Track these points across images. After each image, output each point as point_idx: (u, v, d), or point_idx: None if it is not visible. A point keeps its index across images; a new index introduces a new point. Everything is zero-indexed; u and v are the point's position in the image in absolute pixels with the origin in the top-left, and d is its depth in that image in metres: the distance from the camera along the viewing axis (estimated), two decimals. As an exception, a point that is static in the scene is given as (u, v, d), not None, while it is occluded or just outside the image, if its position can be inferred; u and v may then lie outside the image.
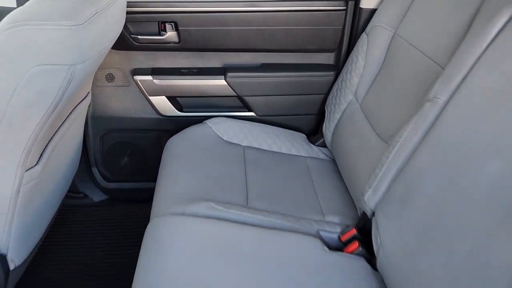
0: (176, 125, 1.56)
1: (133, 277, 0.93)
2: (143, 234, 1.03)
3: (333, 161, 1.46)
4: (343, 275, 0.97)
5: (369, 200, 1.05)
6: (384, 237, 0.96)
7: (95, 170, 1.67)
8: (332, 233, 1.12)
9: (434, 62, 1.04)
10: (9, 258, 1.04)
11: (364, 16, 1.44)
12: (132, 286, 0.92)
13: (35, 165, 1.00)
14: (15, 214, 0.99)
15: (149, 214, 1.16)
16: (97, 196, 1.72)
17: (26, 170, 0.96)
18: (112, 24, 1.03)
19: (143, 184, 1.70)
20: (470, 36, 0.92)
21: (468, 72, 0.88)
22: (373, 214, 1.04)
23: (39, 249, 1.33)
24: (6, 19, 0.80)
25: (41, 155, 1.03)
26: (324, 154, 1.50)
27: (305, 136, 1.57)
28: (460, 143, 0.83)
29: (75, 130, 1.30)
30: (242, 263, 0.93)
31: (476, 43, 0.89)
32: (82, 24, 0.84)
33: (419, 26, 1.18)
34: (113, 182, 1.70)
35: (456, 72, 0.91)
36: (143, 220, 1.24)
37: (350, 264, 1.01)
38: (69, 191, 1.47)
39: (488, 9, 0.91)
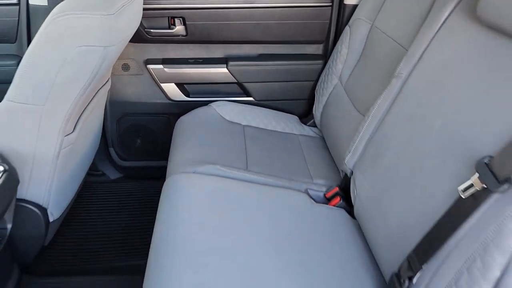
0: (183, 109, 1.76)
1: (149, 238, 1.10)
2: (157, 204, 1.20)
3: (322, 138, 1.67)
4: (326, 222, 1.18)
5: (349, 161, 1.26)
6: (359, 189, 1.17)
7: (112, 151, 1.88)
8: (318, 191, 1.33)
9: (401, 46, 1.25)
10: (49, 211, 1.25)
11: (347, 11, 1.65)
12: (153, 234, 1.10)
13: (71, 132, 1.21)
14: (55, 173, 1.20)
15: (161, 189, 1.29)
16: (113, 174, 1.93)
17: (65, 136, 1.17)
18: (134, 16, 1.24)
19: (154, 162, 1.91)
20: (427, 22, 1.14)
21: (424, 51, 1.10)
22: (352, 173, 1.25)
23: (66, 217, 1.52)
24: (55, 10, 1.01)
25: (75, 125, 1.24)
26: (314, 132, 1.71)
27: (298, 118, 1.79)
28: (415, 107, 1.04)
29: (98, 110, 1.51)
30: (243, 211, 1.13)
31: (430, 28, 1.10)
32: (113, 14, 1.05)
33: (391, 17, 1.39)
34: (127, 161, 1.91)
35: (415, 52, 1.12)
36: (156, 194, 1.41)
37: (332, 213, 1.22)
38: (89, 169, 1.68)
39: (441, 0, 1.12)
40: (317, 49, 1.78)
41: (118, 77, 1.75)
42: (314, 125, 1.74)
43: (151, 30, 1.66)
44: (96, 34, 1.03)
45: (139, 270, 1.13)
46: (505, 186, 0.72)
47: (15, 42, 1.68)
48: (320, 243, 1.07)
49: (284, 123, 1.70)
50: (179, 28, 1.67)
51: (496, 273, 0.70)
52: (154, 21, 1.65)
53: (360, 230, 1.17)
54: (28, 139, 1.11)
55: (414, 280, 0.86)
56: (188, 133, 1.50)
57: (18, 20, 1.64)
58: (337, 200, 1.27)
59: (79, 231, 1.59)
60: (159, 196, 1.23)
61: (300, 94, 1.80)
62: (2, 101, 1.08)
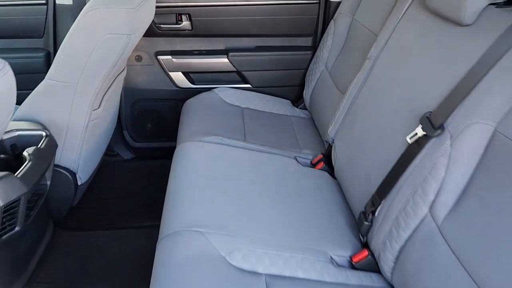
0: (189, 95, 1.99)
1: (160, 206, 1.28)
2: (166, 179, 1.38)
3: (311, 119, 1.90)
4: (310, 180, 1.41)
5: (331, 132, 1.49)
6: (338, 152, 1.40)
7: (126, 133, 2.12)
8: (306, 159, 1.56)
9: (373, 33, 1.49)
10: (78, 175, 1.48)
11: (332, 7, 1.90)
12: (168, 185, 1.32)
13: (98, 108, 1.44)
14: (84, 142, 1.44)
15: (169, 168, 1.45)
16: (126, 155, 2.16)
17: (93, 110, 1.41)
18: (149, 11, 1.47)
19: (163, 143, 2.14)
20: (392, 13, 1.37)
21: (389, 37, 1.33)
22: (333, 141, 1.48)
23: (87, 190, 1.75)
24: (88, 4, 1.24)
25: (100, 102, 1.47)
26: (305, 114, 1.94)
27: (290, 102, 2.02)
28: (381, 81, 1.27)
29: (116, 93, 1.74)
30: (241, 169, 1.36)
31: (394, 17, 1.34)
32: (135, 8, 1.29)
33: (367, 11, 1.63)
34: (139, 142, 2.14)
35: (383, 37, 1.36)
36: (165, 171, 1.53)
37: (317, 175, 1.45)
38: (106, 150, 1.91)
39: (404, -5, 1.36)
40: (306, 41, 2.01)
41: (132, 67, 1.98)
42: (304, 108, 1.98)
43: (161, 25, 1.89)
44: (122, 24, 1.26)
45: (155, 228, 1.34)
46: (439, 131, 0.95)
47: (42, 37, 1.92)
48: (304, 193, 1.30)
49: (278, 106, 1.93)
50: (185, 24, 1.90)
51: (431, 196, 0.93)
52: (164, 18, 1.89)
53: (339, 187, 1.40)
54: (63, 112, 1.35)
55: (376, 213, 1.09)
56: (194, 113, 1.74)
57: (46, 17, 1.88)
58: (321, 164, 1.50)
59: (100, 199, 1.81)
60: (169, 172, 1.41)
61: (292, 81, 2.04)
62: (43, 80, 1.31)
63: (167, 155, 1.92)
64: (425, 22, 1.18)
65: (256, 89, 2.03)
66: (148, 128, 2.13)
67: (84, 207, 1.71)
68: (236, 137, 1.58)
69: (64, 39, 1.26)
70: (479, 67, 0.93)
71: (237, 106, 1.87)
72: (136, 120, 2.10)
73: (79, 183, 1.49)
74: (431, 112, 1.00)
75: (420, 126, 1.01)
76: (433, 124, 0.97)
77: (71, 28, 1.25)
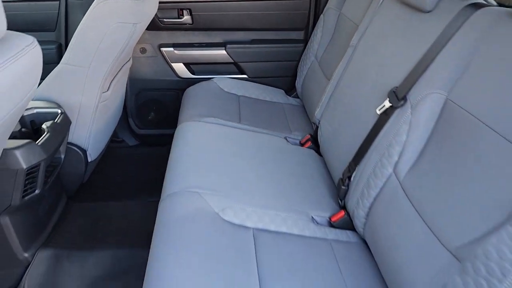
0: (189, 85, 2.14)
1: (159, 187, 1.42)
2: (165, 164, 1.48)
3: (303, 107, 2.06)
4: (298, 156, 1.56)
5: (317, 113, 1.65)
6: (323, 131, 1.55)
7: (131, 121, 2.28)
8: (295, 139, 1.71)
9: (356, 24, 1.64)
10: (88, 153, 1.63)
11: (322, 3, 2.05)
12: (169, 160, 1.47)
13: (107, 90, 1.60)
14: (94, 122, 1.59)
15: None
16: (131, 141, 2.32)
17: (103, 92, 1.56)
18: (153, 3, 1.64)
19: (165, 130, 2.29)
20: (371, 5, 1.53)
21: (367, 25, 1.49)
22: (319, 122, 1.63)
23: (95, 173, 1.90)
24: (99, -3, 1.41)
25: (109, 86, 1.63)
26: (297, 102, 2.10)
27: (283, 91, 2.17)
28: (360, 65, 1.42)
29: (123, 80, 1.90)
30: (236, 146, 1.52)
31: (373, 8, 1.49)
32: (141, 0, 1.45)
33: (352, 5, 1.78)
34: (143, 129, 2.30)
35: (363, 27, 1.52)
36: (167, 156, 1.60)
37: (304, 153, 1.60)
38: (112, 136, 2.06)
39: (381, -11, 1.51)
40: (298, 34, 2.17)
41: (137, 58, 2.15)
42: (297, 97, 2.13)
43: (164, 20, 2.06)
44: (129, 14, 1.42)
45: (157, 202, 1.49)
46: (402, 102, 1.11)
47: (54, 30, 2.09)
48: (291, 166, 1.46)
49: (272, 95, 2.09)
50: (186, 18, 2.06)
51: (395, 158, 1.08)
52: (166, 12, 2.05)
53: (323, 163, 1.55)
54: (76, 93, 1.50)
55: (352, 178, 1.24)
56: (194, 99, 1.89)
57: (58, 12, 2.04)
58: (309, 143, 1.65)
59: (107, 182, 1.97)
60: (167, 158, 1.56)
61: (286, 72, 2.19)
62: (59, 64, 1.47)
63: (169, 141, 2.08)
64: (396, 11, 1.33)
65: (252, 79, 2.19)
66: (151, 116, 2.28)
67: (93, 186, 1.87)
68: (232, 119, 1.74)
69: (77, 28, 1.42)
70: (435, 46, 1.08)
71: (234, 94, 2.03)
72: (140, 109, 2.26)
73: (89, 160, 1.65)
74: (397, 87, 1.16)
75: (388, 99, 1.16)
76: (398, 97, 1.12)
77: (83, 18, 1.41)
